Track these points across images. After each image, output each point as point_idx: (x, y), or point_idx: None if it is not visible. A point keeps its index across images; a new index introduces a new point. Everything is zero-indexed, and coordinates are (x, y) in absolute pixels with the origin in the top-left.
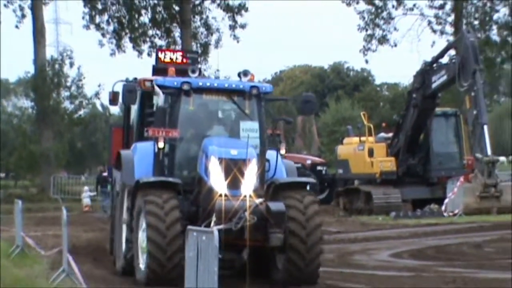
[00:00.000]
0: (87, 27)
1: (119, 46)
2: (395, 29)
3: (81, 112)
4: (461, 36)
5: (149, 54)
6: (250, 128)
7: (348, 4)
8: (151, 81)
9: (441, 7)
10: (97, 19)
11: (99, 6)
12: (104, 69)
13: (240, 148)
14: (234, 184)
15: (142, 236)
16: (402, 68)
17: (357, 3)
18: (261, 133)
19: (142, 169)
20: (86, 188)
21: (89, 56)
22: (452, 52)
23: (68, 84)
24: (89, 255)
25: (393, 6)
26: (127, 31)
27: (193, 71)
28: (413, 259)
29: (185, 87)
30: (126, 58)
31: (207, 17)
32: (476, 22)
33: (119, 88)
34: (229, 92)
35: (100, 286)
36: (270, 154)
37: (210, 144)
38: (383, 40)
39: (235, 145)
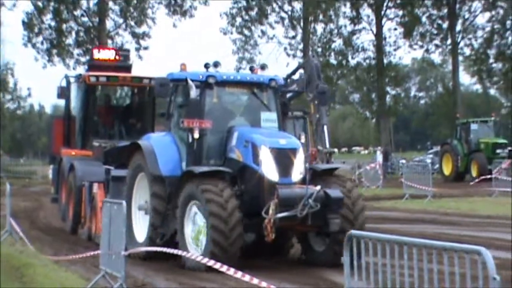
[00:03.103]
0: (25, 46)
1: (50, 61)
2: (259, 53)
3: (20, 111)
4: (308, 59)
5: (74, 68)
6: (269, 119)
7: (225, 34)
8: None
9: (293, 37)
10: (34, 40)
11: (36, 30)
12: (38, 76)
13: (285, 138)
14: (285, 172)
15: (193, 225)
16: None
17: (231, 33)
18: (279, 123)
19: (165, 159)
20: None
21: (27, 67)
22: (301, 71)
23: (9, 90)
24: (27, 219)
25: (258, 36)
26: (56, 50)
27: (215, 65)
28: None
29: (211, 80)
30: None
31: (122, 41)
32: (319, 49)
33: (64, 83)
34: (250, 85)
35: (35, 243)
36: None
37: (254, 133)
38: (251, 61)
39: (279, 135)
